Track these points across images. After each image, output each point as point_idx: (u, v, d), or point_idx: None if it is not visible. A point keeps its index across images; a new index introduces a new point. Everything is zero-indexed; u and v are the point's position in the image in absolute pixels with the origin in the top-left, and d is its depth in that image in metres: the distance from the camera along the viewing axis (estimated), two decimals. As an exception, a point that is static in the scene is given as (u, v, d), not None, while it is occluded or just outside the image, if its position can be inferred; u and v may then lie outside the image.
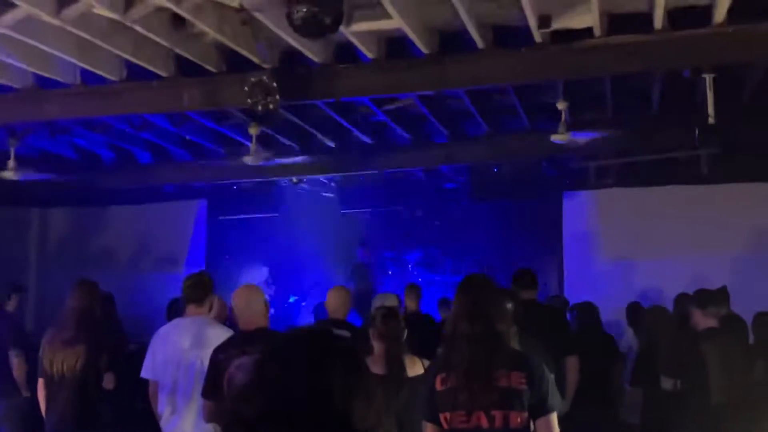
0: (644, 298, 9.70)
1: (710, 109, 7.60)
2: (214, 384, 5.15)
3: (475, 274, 4.25)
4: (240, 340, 5.24)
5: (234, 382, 5.01)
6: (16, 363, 8.22)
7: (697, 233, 10.91)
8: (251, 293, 5.42)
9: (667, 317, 7.54)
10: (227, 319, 7.16)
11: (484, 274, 4.26)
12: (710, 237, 10.76)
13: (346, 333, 6.43)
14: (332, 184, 13.77)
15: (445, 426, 3.79)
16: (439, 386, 3.82)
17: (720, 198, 10.98)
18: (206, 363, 5.62)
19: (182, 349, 5.83)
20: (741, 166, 10.99)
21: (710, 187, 11.05)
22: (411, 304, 9.01)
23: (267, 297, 5.60)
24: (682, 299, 8.32)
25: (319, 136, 10.49)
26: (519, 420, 3.69)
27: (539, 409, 3.73)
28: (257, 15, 6.31)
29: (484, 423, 3.69)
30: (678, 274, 10.19)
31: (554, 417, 3.75)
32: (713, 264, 10.21)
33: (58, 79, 7.79)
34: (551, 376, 3.92)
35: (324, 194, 14.20)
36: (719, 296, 8.13)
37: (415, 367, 5.18)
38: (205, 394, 5.25)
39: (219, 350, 5.26)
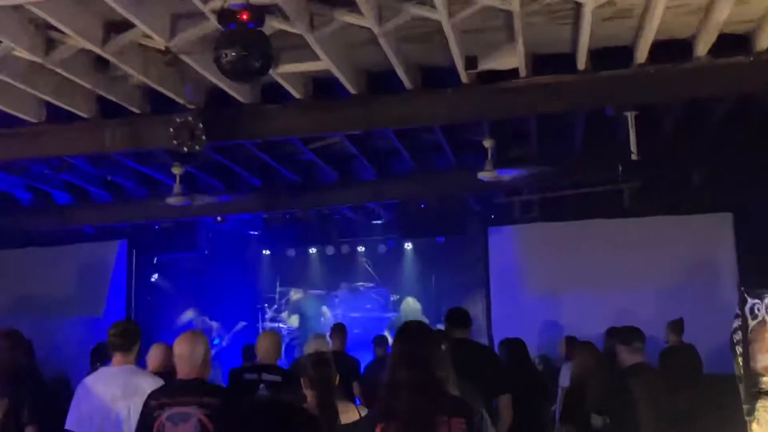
0: (571, 332, 9.78)
1: (633, 146, 7.80)
2: (144, 430, 5.04)
3: (412, 321, 4.24)
4: (176, 389, 5.14)
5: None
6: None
7: (621, 266, 11.09)
8: (195, 341, 5.30)
9: (594, 353, 7.63)
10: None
11: (420, 321, 4.26)
12: (634, 270, 10.94)
13: (277, 378, 6.41)
14: (258, 222, 13.64)
15: (387, 475, 3.77)
16: (379, 435, 3.80)
17: (642, 231, 11.20)
18: (133, 414, 5.51)
19: (109, 399, 5.69)
20: (661, 200, 11.28)
21: (632, 220, 11.27)
22: (337, 343, 8.97)
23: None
24: (610, 334, 8.48)
25: (245, 174, 10.43)
26: (459, 466, 3.69)
27: (480, 455, 3.75)
28: (183, 57, 6.28)
29: (425, 470, 3.69)
30: (604, 307, 10.36)
31: (494, 461, 3.77)
32: (638, 297, 10.41)
33: (-25, 121, 7.62)
34: (488, 420, 3.94)
35: (249, 232, 14.08)
36: (671, 327, 8.36)
37: (349, 414, 5.14)
38: None
39: (152, 397, 5.14)
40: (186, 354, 5.14)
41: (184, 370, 5.11)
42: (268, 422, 1.59)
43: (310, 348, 6.91)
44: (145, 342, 7.14)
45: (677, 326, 9.06)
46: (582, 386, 7.11)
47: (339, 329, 9.33)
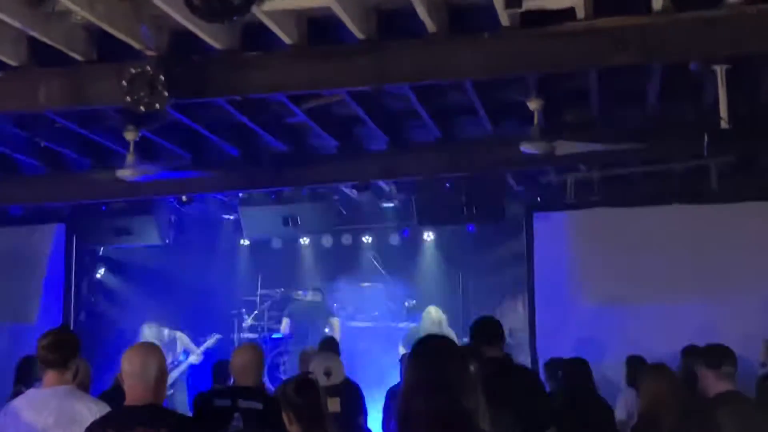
0: (637, 351, 9.77)
1: (722, 111, 7.76)
2: None
3: (432, 335, 4.24)
4: (124, 417, 5.19)
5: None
6: None
7: (706, 266, 11.07)
8: (148, 355, 5.32)
9: (669, 378, 7.64)
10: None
11: (443, 336, 4.25)
12: (722, 271, 10.91)
13: (257, 405, 6.44)
14: (234, 203, 13.67)
15: None
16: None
17: (733, 220, 11.16)
18: (71, 448, 5.56)
19: (41, 429, 5.74)
20: (759, 181, 11.25)
21: (721, 206, 11.23)
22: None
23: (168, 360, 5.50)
24: (689, 354, 8.47)
25: (219, 141, 10.44)
26: None
27: None
28: (141, -12, 6.29)
29: None
30: (682, 319, 10.36)
31: None
32: (727, 307, 10.39)
33: None
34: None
35: (223, 217, 14.11)
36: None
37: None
38: None
39: (95, 426, 5.19)
40: (137, 372, 5.16)
41: (134, 392, 5.15)
42: None
43: (316, 366, 6.94)
44: (89, 356, 7.20)
45: None
46: (653, 421, 7.13)
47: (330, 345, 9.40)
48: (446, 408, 3.80)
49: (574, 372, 8.65)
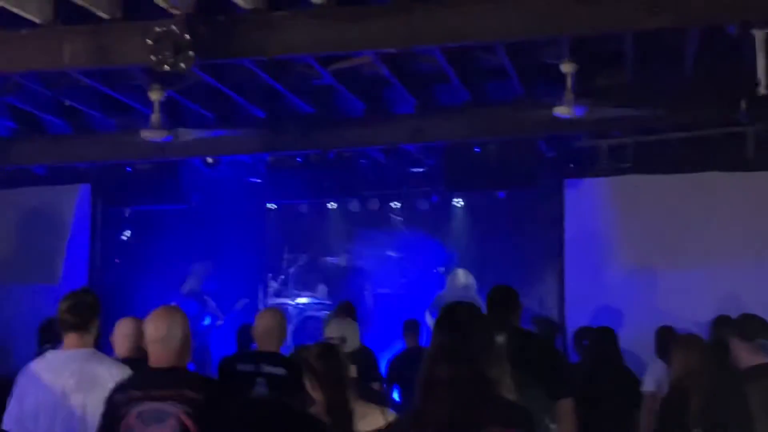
0: (669, 320, 9.75)
1: (761, 75, 7.70)
2: (107, 431, 5.13)
3: (458, 302, 4.23)
4: (148, 380, 5.22)
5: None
6: None
7: (742, 234, 11.00)
8: (172, 319, 5.34)
9: (701, 350, 7.62)
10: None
11: (470, 303, 4.23)
12: (758, 240, 10.85)
13: (280, 371, 6.46)
14: (261, 166, 13.69)
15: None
16: (411, 446, 3.84)
17: (770, 188, 11.12)
18: (91, 411, 5.59)
19: (60, 392, 5.76)
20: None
21: (758, 174, 11.15)
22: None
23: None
24: (721, 324, 8.43)
25: (244, 103, 10.45)
26: (514, 490, 3.72)
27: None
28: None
29: (470, 494, 3.71)
30: (716, 289, 10.31)
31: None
32: (763, 276, 10.33)
33: None
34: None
35: (249, 180, 14.13)
36: None
37: (370, 419, 5.17)
38: None
39: (119, 390, 5.23)
40: (161, 336, 5.19)
41: (158, 356, 5.17)
42: (264, 428, 1.59)
43: (331, 332, 6.96)
44: (111, 320, 7.23)
45: None
46: (684, 393, 7.10)
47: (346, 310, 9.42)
48: (469, 377, 3.80)
49: (600, 341, 8.68)
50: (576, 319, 11.00)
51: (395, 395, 9.60)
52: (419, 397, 3.96)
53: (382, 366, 9.65)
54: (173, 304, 6.36)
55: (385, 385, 9.26)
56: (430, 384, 3.91)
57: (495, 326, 4.20)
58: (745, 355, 6.70)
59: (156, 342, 5.20)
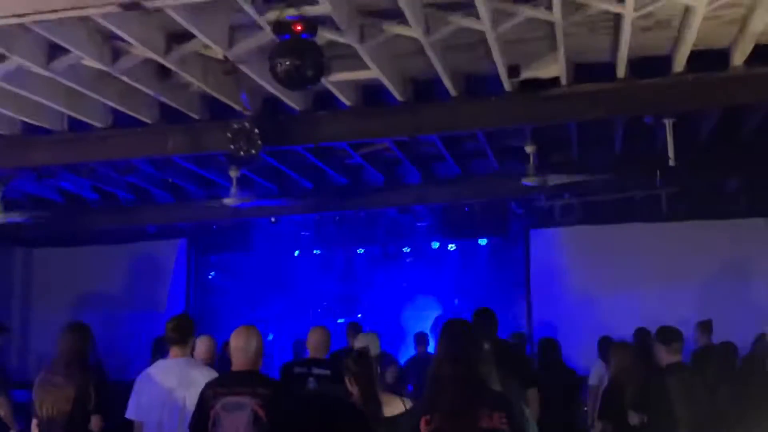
0: (611, 333, 9.65)
1: (670, 152, 7.69)
2: (199, 418, 5.11)
3: (456, 319, 4.23)
4: (230, 380, 5.20)
5: (219, 420, 4.97)
6: (2, 402, 8.04)
7: (659, 269, 10.94)
8: (249, 334, 5.33)
9: (631, 353, 7.56)
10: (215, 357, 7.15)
11: (464, 320, 4.24)
12: (671, 272, 10.79)
13: (326, 372, 6.42)
14: (309, 222, 13.68)
15: (431, 465, 3.77)
16: (423, 427, 3.80)
17: (679, 235, 11.03)
18: (189, 403, 5.58)
19: (167, 389, 5.75)
20: (698, 205, 11.14)
21: (670, 224, 11.11)
22: (351, 341, 8.96)
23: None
24: (641, 333, 8.40)
25: (298, 178, 10.49)
26: (499, 458, 3.68)
27: (519, 447, 3.73)
28: (241, 66, 6.32)
29: (468, 461, 3.68)
30: (639, 309, 10.23)
31: (533, 454, 3.76)
32: (677, 298, 10.26)
33: (46, 126, 7.75)
34: (528, 414, 3.92)
35: (301, 233, 14.13)
36: (701, 327, 8.31)
37: (393, 406, 5.13)
38: (192, 427, 5.20)
39: (209, 386, 5.23)
40: (241, 346, 5.18)
41: (239, 361, 5.16)
42: (316, 414, 1.59)
43: (360, 343, 6.91)
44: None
45: (706, 327, 8.90)
46: (620, 385, 7.05)
47: (352, 328, 9.36)
48: (465, 373, 3.79)
49: (546, 347, 8.75)
50: (540, 332, 10.92)
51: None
52: (429, 389, 3.94)
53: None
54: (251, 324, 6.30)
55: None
56: (437, 379, 3.90)
57: (481, 337, 4.20)
58: (665, 356, 6.65)
59: (238, 350, 5.20)
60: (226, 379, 5.28)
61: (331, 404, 1.82)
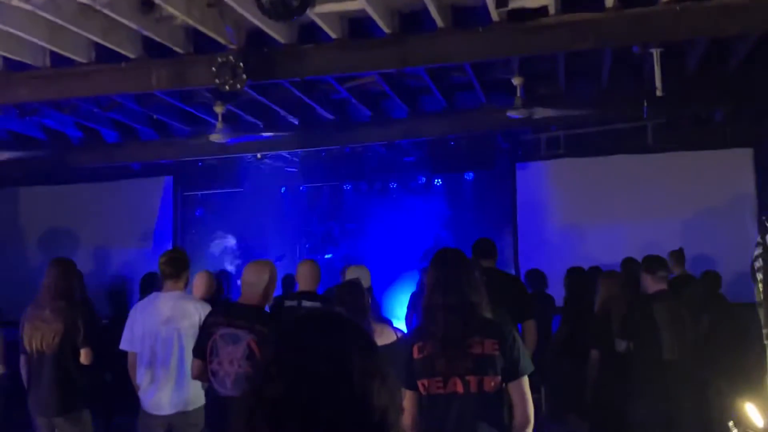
0: (596, 263, 9.74)
1: (657, 83, 7.67)
2: (201, 345, 5.19)
3: (447, 248, 4.25)
4: (231, 311, 5.28)
5: (217, 350, 5.03)
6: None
7: (645, 199, 11.01)
8: (260, 270, 5.35)
9: (619, 282, 7.65)
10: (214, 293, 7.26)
11: (456, 249, 4.26)
12: (657, 203, 10.87)
13: (316, 304, 6.47)
14: (295, 159, 13.65)
15: (423, 392, 3.83)
16: (416, 354, 3.85)
17: (665, 166, 11.08)
18: (183, 334, 5.66)
19: (160, 321, 5.82)
20: (684, 136, 11.17)
21: (656, 156, 11.15)
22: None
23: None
24: (628, 263, 8.48)
25: (283, 113, 10.41)
26: (492, 384, 3.73)
27: (511, 374, 3.78)
28: (225, -2, 6.23)
29: (460, 388, 3.73)
30: (628, 238, 10.33)
31: (525, 380, 3.81)
32: (661, 229, 10.36)
33: (28, 61, 7.64)
34: (521, 341, 3.96)
35: (287, 169, 14.10)
36: (674, 257, 8.41)
37: (385, 335, 5.19)
38: (194, 352, 5.29)
39: (211, 314, 5.37)
40: (250, 281, 5.24)
41: (246, 295, 5.23)
42: (322, 325, 1.57)
43: (350, 275, 6.96)
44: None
45: (678, 256, 8.97)
46: (608, 313, 7.16)
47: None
48: (458, 301, 3.83)
49: (533, 279, 8.95)
50: (526, 263, 11.02)
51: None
52: (422, 317, 3.98)
53: (406, 298, 9.81)
54: (267, 259, 6.35)
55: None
56: (428, 308, 3.93)
57: (474, 266, 4.22)
58: (651, 284, 6.75)
59: (246, 284, 5.27)
60: (230, 310, 5.38)
61: (339, 323, 1.83)
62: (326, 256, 14.36)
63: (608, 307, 7.19)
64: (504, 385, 3.79)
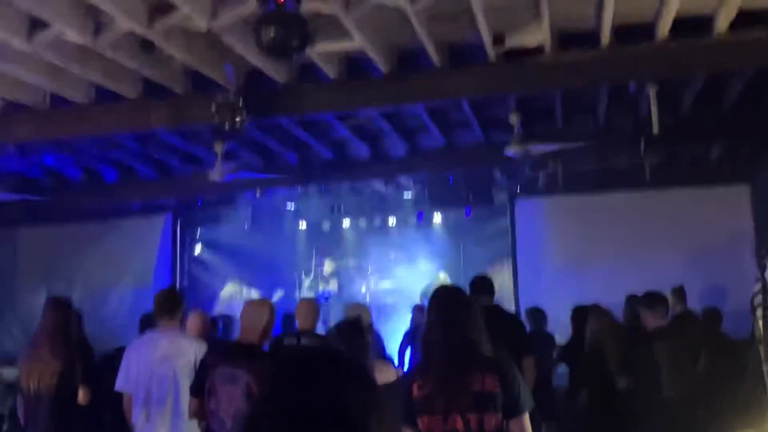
0: (590, 300, 9.67)
1: (654, 120, 7.70)
2: (199, 383, 5.14)
3: (447, 285, 4.25)
4: (229, 351, 5.25)
5: (215, 390, 4.99)
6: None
7: (643, 236, 11.01)
8: (260, 309, 5.34)
9: (606, 314, 7.58)
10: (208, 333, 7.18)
11: (455, 286, 4.24)
12: (655, 240, 10.86)
13: (315, 343, 6.42)
14: (294, 196, 13.64)
15: (423, 430, 3.78)
16: (416, 392, 3.81)
17: (663, 202, 11.10)
18: (178, 373, 5.62)
19: (155, 360, 5.77)
20: (681, 173, 11.19)
21: (653, 192, 11.15)
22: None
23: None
24: (631, 300, 8.42)
25: (283, 151, 10.44)
26: (493, 422, 3.68)
27: (512, 411, 3.73)
28: (224, 38, 6.27)
29: (460, 426, 3.68)
30: (626, 276, 10.28)
31: (526, 417, 3.76)
32: (659, 265, 10.32)
33: (28, 102, 7.68)
34: (521, 378, 3.92)
35: (287, 207, 14.10)
36: (675, 294, 8.37)
37: (385, 373, 5.14)
38: (191, 390, 5.24)
39: (209, 353, 5.32)
40: (249, 321, 5.21)
41: (244, 335, 5.20)
42: (319, 364, 1.54)
43: (349, 313, 6.92)
44: (187, 309, 7.22)
45: (679, 293, 8.92)
46: (599, 349, 7.08)
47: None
48: (457, 337, 3.80)
49: (533, 317, 8.86)
50: (525, 301, 10.98)
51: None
52: (422, 354, 3.95)
53: (401, 336, 9.78)
54: (266, 298, 6.33)
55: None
56: (428, 345, 3.90)
57: (473, 303, 4.19)
58: (651, 320, 6.72)
59: (245, 323, 5.25)
60: (228, 349, 5.34)
61: (338, 359, 1.82)
62: (325, 294, 14.30)
63: (600, 344, 7.12)
64: (505, 423, 3.75)
